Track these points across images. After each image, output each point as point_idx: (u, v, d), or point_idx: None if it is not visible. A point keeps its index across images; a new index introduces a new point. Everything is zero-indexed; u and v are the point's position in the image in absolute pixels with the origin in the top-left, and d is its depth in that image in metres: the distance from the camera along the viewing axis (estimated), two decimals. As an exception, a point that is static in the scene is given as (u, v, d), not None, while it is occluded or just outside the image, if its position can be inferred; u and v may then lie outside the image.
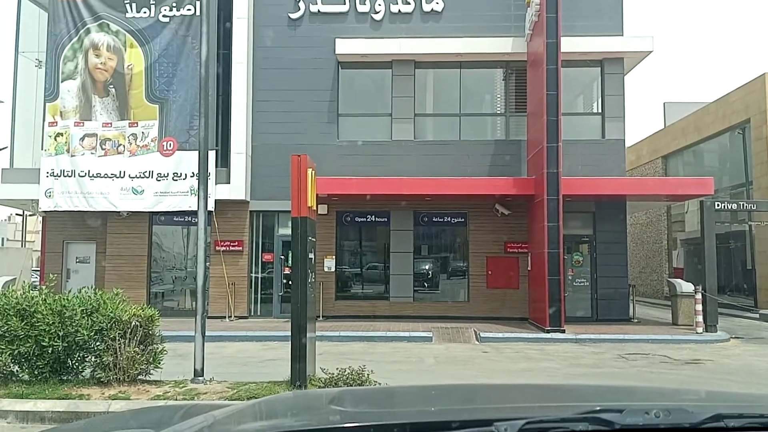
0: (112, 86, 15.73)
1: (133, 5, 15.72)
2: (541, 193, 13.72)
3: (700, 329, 13.41)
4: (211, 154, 14.52)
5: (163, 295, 16.60)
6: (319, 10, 16.16)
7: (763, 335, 14.35)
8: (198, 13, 14.00)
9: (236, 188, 15.51)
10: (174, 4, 15.68)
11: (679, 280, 15.87)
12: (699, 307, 13.60)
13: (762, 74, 18.79)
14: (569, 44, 14.13)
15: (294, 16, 16.20)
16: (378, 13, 16.08)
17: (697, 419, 1.29)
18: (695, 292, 13.90)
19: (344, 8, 16.14)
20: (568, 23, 14.14)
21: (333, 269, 15.94)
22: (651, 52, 15.56)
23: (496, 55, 15.87)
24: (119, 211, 15.70)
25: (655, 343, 12.58)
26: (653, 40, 15.53)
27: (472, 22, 15.74)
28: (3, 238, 55.68)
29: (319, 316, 13.06)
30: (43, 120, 15.79)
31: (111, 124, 15.62)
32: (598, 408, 1.35)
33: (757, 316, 17.60)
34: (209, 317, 11.55)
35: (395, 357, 10.92)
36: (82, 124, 15.64)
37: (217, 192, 15.08)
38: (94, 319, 7.05)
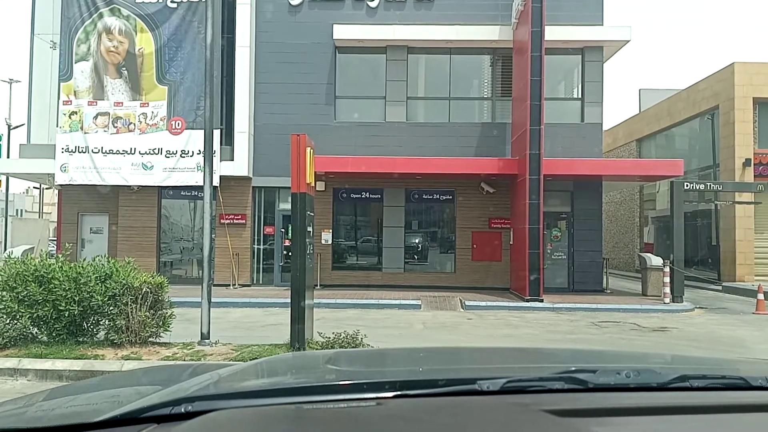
0: (124, 68, 15.50)
1: (142, -10, 15.43)
2: (523, 173, 13.71)
3: (667, 299, 13.55)
4: (216, 133, 14.38)
5: (171, 264, 16.58)
6: (318, -2, 15.93)
7: (726, 306, 14.50)
8: (204, -1, 13.75)
9: (239, 165, 15.42)
10: (181, -10, 15.40)
11: (649, 254, 15.98)
12: (667, 279, 13.74)
13: (730, 64, 18.69)
14: (552, 33, 14.01)
15: (294, 2, 15.94)
16: (373, 0, 15.86)
17: (664, 380, 1.29)
18: (664, 266, 14.02)
19: (342, -4, 15.91)
20: (552, 13, 14.00)
21: (330, 242, 15.94)
22: (628, 41, 15.45)
23: (484, 42, 15.72)
24: (130, 185, 15.61)
25: (626, 312, 12.69)
26: (631, 29, 15.41)
27: (462, 11, 15.58)
28: (21, 210, 55.33)
29: (316, 285, 13.08)
30: (58, 99, 15.57)
31: (122, 103, 15.44)
32: (573, 369, 1.36)
33: (720, 288, 17.77)
34: (215, 285, 11.56)
35: (387, 322, 10.98)
36: (95, 103, 15.45)
37: (222, 168, 14.99)
38: (108, 286, 7.05)
